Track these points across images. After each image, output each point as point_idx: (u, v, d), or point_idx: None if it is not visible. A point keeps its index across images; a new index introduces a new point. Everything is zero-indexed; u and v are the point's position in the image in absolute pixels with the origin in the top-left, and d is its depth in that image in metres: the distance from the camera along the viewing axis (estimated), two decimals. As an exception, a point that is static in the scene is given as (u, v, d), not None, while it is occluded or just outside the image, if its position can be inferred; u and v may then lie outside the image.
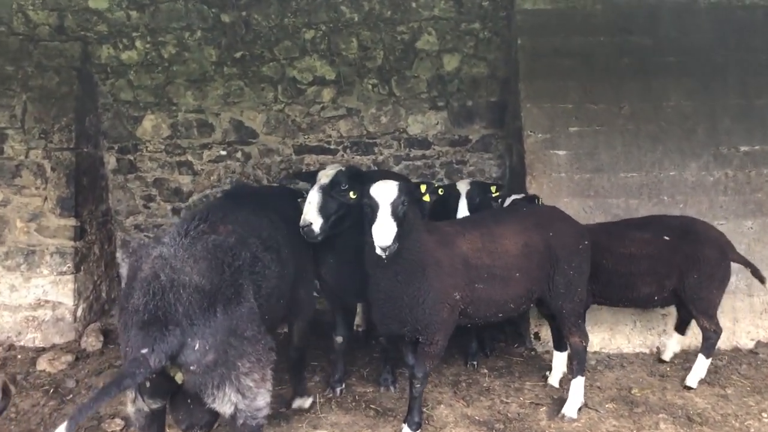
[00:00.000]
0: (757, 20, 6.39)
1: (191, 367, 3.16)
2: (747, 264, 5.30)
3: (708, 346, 5.19)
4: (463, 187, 5.55)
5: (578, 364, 4.84)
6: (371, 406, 5.04)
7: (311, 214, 4.58)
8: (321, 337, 6.33)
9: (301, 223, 4.56)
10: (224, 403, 3.35)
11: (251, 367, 3.42)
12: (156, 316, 3.08)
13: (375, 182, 4.13)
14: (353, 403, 5.09)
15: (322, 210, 4.61)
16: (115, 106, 7.15)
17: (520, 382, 5.41)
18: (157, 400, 3.41)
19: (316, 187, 4.66)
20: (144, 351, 3.01)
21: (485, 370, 5.64)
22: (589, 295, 5.15)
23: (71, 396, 5.27)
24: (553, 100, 6.27)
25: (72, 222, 6.43)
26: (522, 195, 5.57)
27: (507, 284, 4.48)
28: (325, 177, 4.73)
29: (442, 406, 5.02)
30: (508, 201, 5.47)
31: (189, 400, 3.42)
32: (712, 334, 5.16)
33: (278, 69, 7.10)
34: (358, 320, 6.60)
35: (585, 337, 4.84)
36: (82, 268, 6.52)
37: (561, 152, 6.19)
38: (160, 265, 3.24)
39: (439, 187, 5.75)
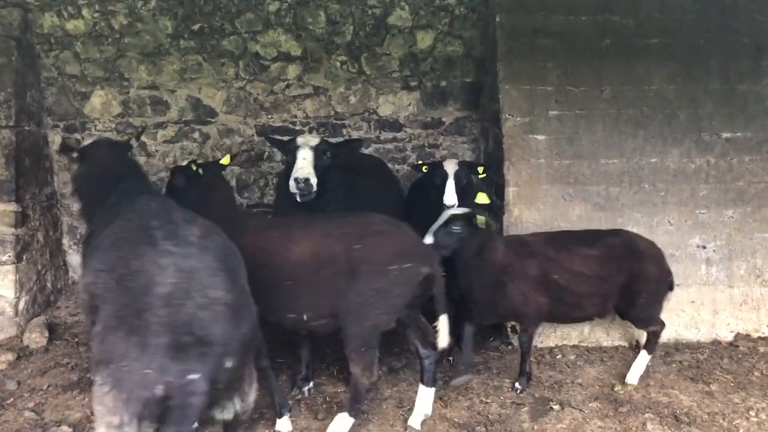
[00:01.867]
0: (740, 1, 6.19)
1: (218, 386, 2.96)
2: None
3: (653, 343, 5.09)
4: (450, 167, 5.30)
5: (353, 402, 4.20)
6: (343, 408, 4.71)
7: (308, 169, 4.48)
8: (284, 332, 5.98)
9: (296, 175, 4.43)
10: (228, 412, 3.27)
11: (250, 373, 3.42)
12: (199, 337, 2.88)
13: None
14: (324, 405, 4.76)
15: (317, 168, 4.55)
16: (60, 81, 6.59)
17: (498, 380, 5.15)
18: (154, 424, 2.99)
19: (307, 147, 4.64)
20: (193, 377, 2.83)
21: (461, 367, 5.35)
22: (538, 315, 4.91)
23: (12, 400, 4.79)
24: (532, 81, 5.97)
25: (12, 207, 5.87)
26: (464, 210, 4.82)
27: (291, 292, 4.08)
28: (312, 140, 4.75)
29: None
30: (444, 216, 4.79)
31: None
32: (659, 332, 5.08)
33: (240, 43, 6.64)
34: None
35: (368, 372, 4.08)
36: (24, 257, 6.00)
37: (540, 137, 5.91)
38: (186, 279, 2.97)
39: (423, 164, 5.49)
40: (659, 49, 6.04)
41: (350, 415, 4.18)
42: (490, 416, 4.62)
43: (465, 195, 5.30)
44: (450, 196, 5.25)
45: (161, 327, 2.85)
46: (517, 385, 4.94)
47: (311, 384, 4.95)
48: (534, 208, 5.81)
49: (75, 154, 4.39)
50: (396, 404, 4.77)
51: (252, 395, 3.44)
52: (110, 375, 2.91)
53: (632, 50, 6.03)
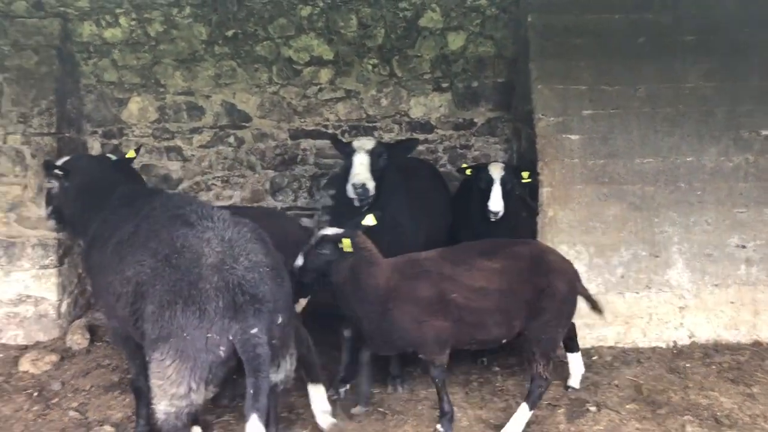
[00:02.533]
0: (780, -4, 6.07)
1: (273, 341, 3.12)
2: (588, 297, 4.64)
3: (536, 396, 4.35)
4: (496, 171, 5.25)
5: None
6: (379, 408, 4.74)
7: (365, 174, 4.47)
8: (324, 332, 6.02)
9: (354, 181, 4.42)
10: (280, 372, 3.42)
11: (292, 334, 3.58)
12: (252, 295, 3.09)
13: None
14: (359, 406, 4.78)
15: (373, 172, 4.53)
16: (99, 88, 6.72)
17: (534, 381, 5.12)
18: (217, 387, 3.24)
19: (363, 151, 4.60)
20: (254, 330, 3.02)
21: (497, 368, 5.36)
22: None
23: (57, 400, 4.92)
24: (565, 81, 5.93)
25: (54, 212, 6.01)
26: (336, 231, 4.22)
27: None
28: (367, 143, 4.70)
29: (454, 408, 4.71)
30: (314, 237, 4.28)
31: (235, 376, 3.34)
32: (543, 382, 4.34)
33: (273, 48, 6.70)
34: None
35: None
36: (66, 260, 6.14)
37: (574, 137, 5.86)
38: (229, 247, 3.23)
39: (467, 167, 5.46)
40: (696, 46, 5.95)
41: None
42: (526, 418, 4.60)
43: (508, 200, 5.25)
44: (496, 202, 5.18)
45: (216, 292, 3.07)
46: (438, 427, 4.31)
47: (348, 386, 4.97)
48: (568, 209, 5.77)
49: (58, 171, 4.47)
50: (431, 405, 4.77)
51: (295, 359, 3.59)
52: (172, 348, 3.07)
53: (668, 48, 5.95)
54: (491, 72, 6.84)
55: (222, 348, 3.04)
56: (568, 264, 4.58)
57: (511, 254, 4.38)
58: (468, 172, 5.50)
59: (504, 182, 5.24)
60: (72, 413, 4.72)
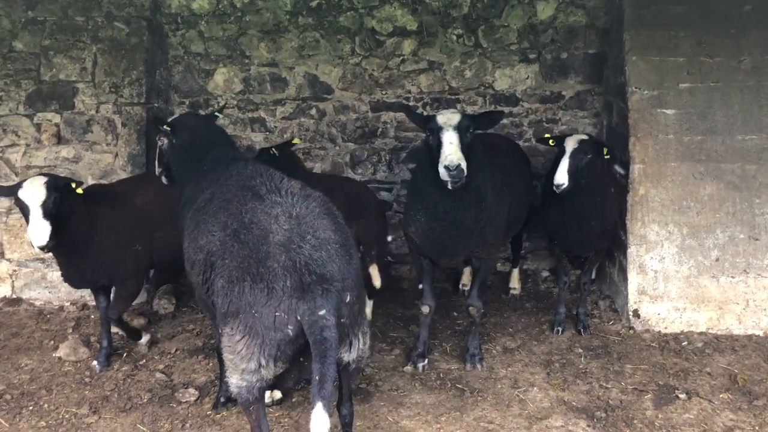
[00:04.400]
0: None
1: (342, 320, 3.08)
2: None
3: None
4: (570, 144, 4.95)
5: None
6: (457, 385, 4.68)
7: (457, 154, 4.18)
8: (400, 306, 6.02)
9: (447, 163, 4.15)
10: (352, 351, 3.35)
11: (363, 312, 3.48)
12: (320, 274, 3.02)
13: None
14: (438, 382, 4.75)
15: (464, 151, 4.24)
16: (186, 59, 6.82)
17: (619, 365, 4.94)
18: (286, 363, 3.20)
19: (451, 128, 4.26)
20: (322, 312, 2.96)
21: (580, 350, 5.19)
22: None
23: (144, 361, 5.10)
24: (661, 52, 5.61)
25: (144, 180, 6.19)
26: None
27: None
28: (453, 117, 4.35)
29: (535, 388, 4.62)
30: None
31: (302, 358, 3.26)
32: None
33: (356, 19, 6.62)
34: (465, 280, 6.27)
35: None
36: (154, 227, 6.31)
37: (669, 111, 5.55)
38: (297, 224, 3.17)
39: (550, 137, 5.25)
40: (809, 13, 5.51)
41: None
42: (610, 401, 4.45)
43: (581, 176, 4.97)
44: (561, 174, 4.88)
45: (284, 271, 3.02)
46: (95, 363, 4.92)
47: (426, 361, 4.93)
48: (661, 187, 5.49)
49: (165, 127, 4.51)
50: (511, 384, 4.69)
51: (369, 338, 3.50)
52: (241, 323, 3.08)
53: (777, 16, 5.54)
54: (582, 43, 6.54)
55: (290, 327, 3.01)
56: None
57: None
58: (551, 142, 5.28)
59: (575, 155, 4.90)
60: (159, 375, 4.88)
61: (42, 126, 6.23)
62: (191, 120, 4.85)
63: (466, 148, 4.25)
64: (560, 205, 5.19)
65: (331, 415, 2.89)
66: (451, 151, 4.18)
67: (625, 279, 5.58)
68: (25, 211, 4.30)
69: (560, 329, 5.47)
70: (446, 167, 4.17)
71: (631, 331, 5.47)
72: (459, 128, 4.26)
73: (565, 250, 5.57)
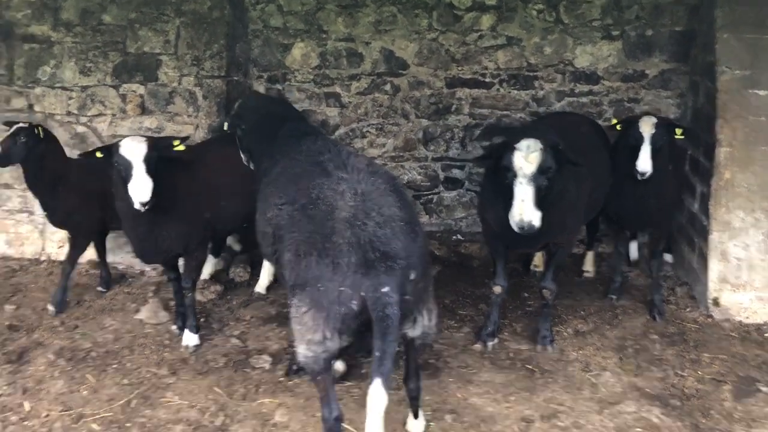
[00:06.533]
0: None
1: (406, 297, 3.10)
2: None
3: None
4: (647, 128, 4.84)
5: None
6: (527, 366, 4.65)
7: (532, 212, 3.97)
8: (469, 285, 6.00)
9: (521, 224, 3.99)
10: (417, 327, 3.38)
11: (430, 288, 3.49)
12: (384, 252, 3.04)
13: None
14: (507, 361, 4.73)
15: (538, 202, 4.01)
16: (265, 33, 6.91)
17: (696, 353, 4.80)
18: (351, 337, 3.22)
19: (525, 179, 4.01)
20: (385, 289, 2.97)
21: (655, 336, 5.06)
22: None
23: (220, 326, 5.27)
24: (757, 29, 5.33)
25: (223, 151, 6.34)
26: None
27: None
28: (531, 160, 4.02)
29: (607, 373, 4.54)
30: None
31: (368, 332, 3.27)
32: None
33: (434, -7, 6.57)
34: (536, 261, 6.23)
35: None
36: (230, 198, 6.48)
37: (762, 92, 5.29)
38: (362, 201, 3.19)
39: (617, 122, 5.12)
40: None
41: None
42: (685, 390, 4.34)
43: (659, 158, 4.87)
44: (644, 161, 4.78)
45: (349, 247, 3.05)
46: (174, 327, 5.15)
47: (496, 340, 4.92)
48: (749, 171, 5.25)
49: (233, 121, 4.70)
50: (582, 367, 4.63)
51: (435, 315, 3.50)
52: (307, 296, 3.14)
53: None
54: (669, 19, 6.28)
55: (354, 302, 3.03)
56: None
57: None
58: (618, 127, 5.15)
59: (655, 140, 4.82)
60: (234, 341, 5.04)
61: (127, 97, 6.45)
62: (253, 102, 4.99)
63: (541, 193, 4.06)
64: (620, 182, 5.10)
65: (389, 391, 2.92)
66: (521, 210, 4.00)
67: (706, 266, 5.40)
68: (126, 168, 4.33)
69: (614, 297, 5.61)
70: (517, 224, 4.05)
71: (710, 320, 5.30)
72: (536, 177, 4.04)
73: (625, 227, 5.59)
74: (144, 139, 4.46)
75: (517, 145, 4.07)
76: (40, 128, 5.34)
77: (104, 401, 4.23)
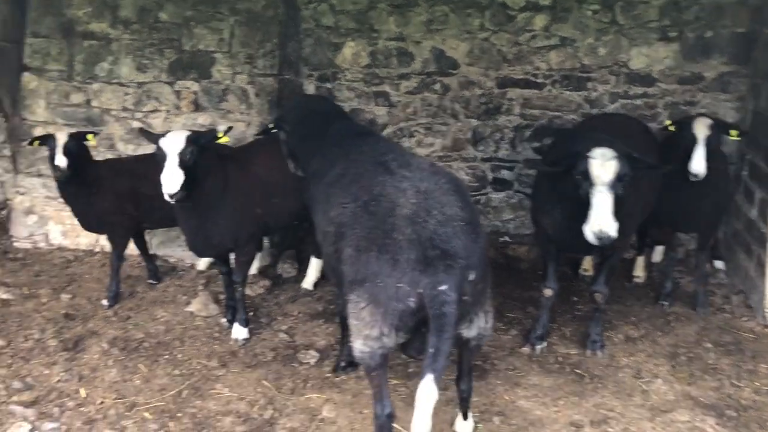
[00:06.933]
0: None
1: (464, 297, 3.08)
2: None
3: None
4: (701, 130, 4.77)
5: None
6: (576, 370, 4.59)
7: (610, 223, 3.92)
8: (517, 288, 5.95)
9: (600, 235, 3.93)
10: (473, 329, 3.37)
11: (488, 290, 3.48)
12: (443, 250, 3.03)
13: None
14: (556, 365, 4.67)
15: (617, 212, 3.97)
16: (317, 32, 6.96)
17: (753, 363, 4.68)
18: (408, 334, 3.23)
19: (604, 188, 3.94)
20: (443, 287, 2.96)
21: (709, 345, 4.94)
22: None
23: (268, 321, 5.33)
24: (822, 31, 5.17)
25: (273, 148, 6.41)
26: None
27: None
28: (608, 169, 3.94)
29: (659, 380, 4.45)
30: None
31: (423, 329, 3.26)
32: None
33: (487, -7, 6.52)
34: (586, 265, 6.14)
35: None
36: (279, 195, 6.54)
37: (827, 96, 5.13)
38: (424, 199, 3.19)
39: (670, 123, 5.03)
40: None
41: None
42: (742, 401, 4.23)
43: (713, 160, 4.79)
44: (698, 163, 4.72)
45: (409, 244, 3.06)
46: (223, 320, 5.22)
47: (545, 343, 4.86)
48: (812, 177, 5.10)
49: (278, 124, 4.78)
50: (633, 374, 4.55)
51: (491, 318, 3.49)
52: (366, 292, 3.15)
53: None
54: (729, 21, 6.12)
55: (412, 299, 3.03)
56: None
57: None
58: (671, 128, 5.07)
59: (709, 142, 4.76)
60: (282, 335, 5.09)
61: (181, 93, 6.57)
62: (296, 103, 5.02)
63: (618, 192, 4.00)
64: (669, 183, 4.99)
65: (440, 390, 2.90)
66: (600, 221, 3.94)
67: (764, 274, 5.26)
68: (162, 159, 4.40)
69: (665, 303, 5.53)
70: (594, 234, 3.99)
71: (767, 329, 5.14)
72: (614, 183, 3.98)
73: (674, 228, 5.53)
74: (185, 133, 4.52)
75: (592, 154, 3.99)
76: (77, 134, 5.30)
77: (156, 391, 4.32)
